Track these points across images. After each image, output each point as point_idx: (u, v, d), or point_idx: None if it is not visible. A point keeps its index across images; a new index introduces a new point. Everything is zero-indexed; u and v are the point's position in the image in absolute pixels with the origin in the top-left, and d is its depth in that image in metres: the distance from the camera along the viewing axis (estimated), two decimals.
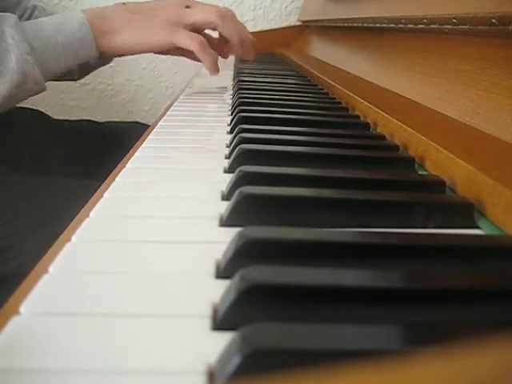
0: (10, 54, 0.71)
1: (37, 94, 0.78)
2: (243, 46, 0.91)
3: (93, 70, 1.10)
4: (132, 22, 0.82)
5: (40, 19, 0.79)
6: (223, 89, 0.95)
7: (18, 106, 1.15)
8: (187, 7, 0.85)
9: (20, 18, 1.10)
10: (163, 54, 0.89)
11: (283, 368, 0.19)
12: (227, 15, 0.87)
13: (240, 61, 1.30)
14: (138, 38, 0.81)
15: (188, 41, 0.81)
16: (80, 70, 1.07)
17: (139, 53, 0.84)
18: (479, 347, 0.13)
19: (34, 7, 1.13)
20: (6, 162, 0.86)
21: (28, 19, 1.10)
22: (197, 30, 0.84)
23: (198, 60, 0.86)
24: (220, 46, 0.93)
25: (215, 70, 0.85)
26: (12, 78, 0.71)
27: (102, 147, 1.08)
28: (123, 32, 0.81)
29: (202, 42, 0.82)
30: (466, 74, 0.57)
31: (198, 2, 0.88)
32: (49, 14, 1.13)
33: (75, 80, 1.13)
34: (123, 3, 0.88)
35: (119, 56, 0.88)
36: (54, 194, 0.75)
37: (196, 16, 0.83)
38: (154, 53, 0.87)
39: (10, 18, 0.73)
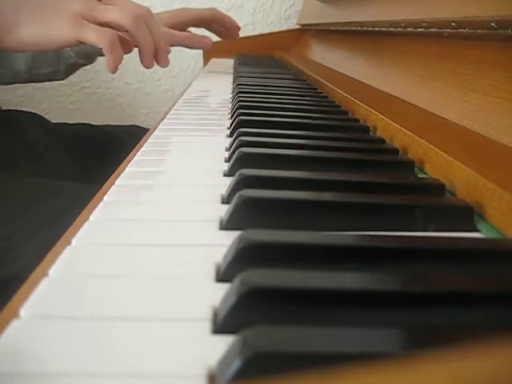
0: None
1: None
2: (154, 55, 0.82)
3: (77, 69, 1.10)
4: (33, 14, 0.73)
5: None
6: (223, 92, 0.95)
7: (15, 109, 1.15)
8: (99, 0, 0.78)
9: None
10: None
11: (283, 371, 0.19)
12: (142, 20, 0.78)
13: (239, 64, 1.30)
14: (40, 34, 0.73)
15: (97, 37, 0.72)
16: (66, 70, 1.06)
17: (43, 50, 0.78)
18: (480, 350, 0.13)
19: None
20: (4, 165, 0.86)
21: None
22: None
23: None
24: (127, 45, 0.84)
25: (115, 69, 0.76)
26: None
27: (101, 151, 1.08)
28: (22, 26, 0.72)
29: (112, 38, 0.73)
30: (466, 78, 0.57)
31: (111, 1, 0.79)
32: None
33: (60, 80, 1.12)
34: None
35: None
36: (54, 198, 0.75)
37: (109, 14, 0.75)
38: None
39: None
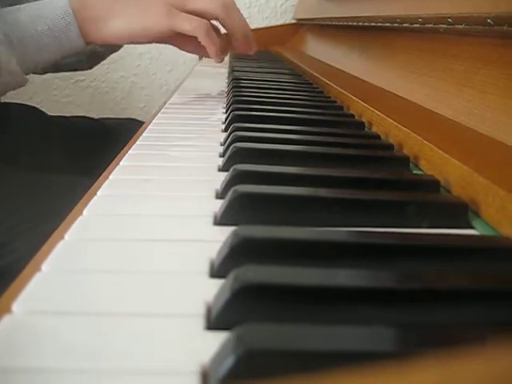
0: None
1: (18, 87, 0.73)
2: (246, 41, 0.83)
3: (103, 59, 1.07)
4: (125, 6, 0.73)
5: (18, 6, 0.72)
6: (218, 87, 0.94)
7: (13, 102, 1.14)
8: None
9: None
10: (162, 42, 0.79)
11: (277, 369, 0.19)
12: (231, 7, 0.79)
13: (234, 58, 1.29)
14: (133, 25, 0.73)
15: (191, 26, 0.72)
16: (89, 59, 1.04)
17: (136, 42, 0.76)
18: (478, 347, 0.13)
19: None
20: (1, 158, 0.86)
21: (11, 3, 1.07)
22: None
23: (198, 52, 0.81)
24: (222, 41, 0.84)
25: (219, 56, 0.77)
26: None
27: (97, 143, 1.07)
28: (115, 18, 0.72)
29: (206, 26, 0.73)
30: (461, 74, 0.57)
31: None
32: None
33: (86, 69, 1.10)
34: None
35: (116, 45, 0.80)
36: (49, 192, 0.74)
37: (198, 3, 0.75)
38: (153, 42, 0.78)
39: None
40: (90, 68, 1.09)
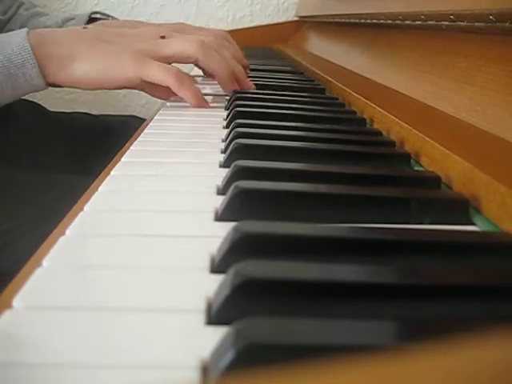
0: None
1: None
2: (235, 79, 0.74)
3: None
4: (91, 50, 0.66)
5: None
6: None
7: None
8: (162, 37, 0.71)
9: (3, 14, 1.02)
10: (134, 89, 0.71)
11: (277, 363, 0.19)
12: (211, 45, 0.72)
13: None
14: (100, 72, 0.65)
15: (162, 75, 0.65)
16: None
17: (102, 88, 0.68)
18: (477, 342, 0.13)
19: (21, 3, 1.04)
20: (3, 155, 0.86)
21: (12, 16, 1.04)
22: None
23: (175, 97, 0.71)
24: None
25: (200, 102, 0.69)
26: None
27: (99, 140, 1.07)
28: (80, 62, 0.65)
29: (178, 75, 0.66)
30: (463, 71, 0.57)
31: (175, 33, 0.75)
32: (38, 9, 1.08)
33: None
34: (84, 26, 0.75)
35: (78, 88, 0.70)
36: (50, 193, 0.74)
37: (173, 47, 0.69)
38: (124, 88, 0.70)
39: None
40: None
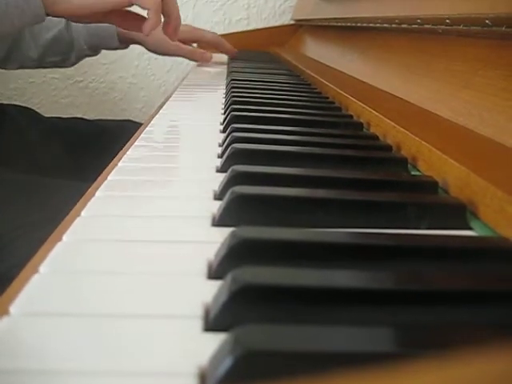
0: None
1: None
2: (168, 22, 0.88)
3: (83, 59, 1.13)
4: None
5: None
6: (216, 87, 0.94)
7: (9, 103, 1.15)
8: None
9: None
10: (106, 20, 0.86)
11: (275, 370, 0.19)
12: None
13: (233, 60, 1.30)
14: None
15: (146, 1, 0.79)
16: (74, 61, 1.09)
17: (94, 12, 0.81)
18: (475, 351, 0.13)
19: None
20: None
21: None
22: None
23: (130, 28, 0.87)
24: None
25: (148, 33, 0.82)
26: None
27: (94, 145, 1.08)
28: None
29: (158, 3, 0.80)
30: (460, 75, 0.57)
31: None
32: None
33: (67, 67, 1.17)
34: None
35: (75, 20, 0.85)
36: (47, 196, 0.74)
37: None
38: (105, 15, 0.84)
39: None
40: (72, 65, 1.15)
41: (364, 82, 0.81)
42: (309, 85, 0.92)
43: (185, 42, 1.21)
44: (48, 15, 0.79)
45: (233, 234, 0.28)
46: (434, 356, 0.13)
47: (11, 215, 0.70)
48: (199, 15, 1.80)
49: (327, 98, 0.78)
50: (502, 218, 0.32)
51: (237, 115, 0.59)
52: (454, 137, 0.47)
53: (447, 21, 0.57)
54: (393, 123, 0.51)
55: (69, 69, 1.24)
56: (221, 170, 0.44)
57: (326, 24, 1.24)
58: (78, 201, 0.38)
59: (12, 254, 0.65)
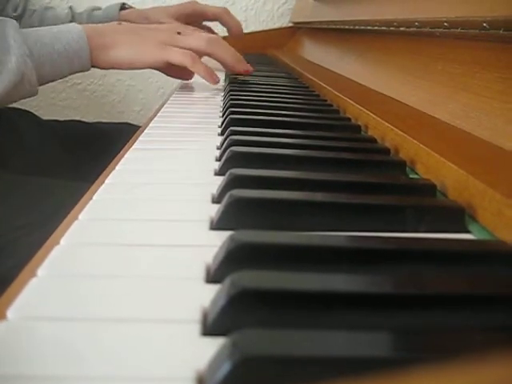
0: (11, 55, 0.73)
1: (29, 97, 0.80)
2: (238, 63, 0.95)
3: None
4: (127, 39, 0.86)
5: (37, 28, 0.81)
6: (214, 90, 0.94)
7: (7, 106, 1.15)
8: (179, 33, 0.90)
9: (14, 11, 1.17)
10: (155, 69, 0.92)
11: (274, 375, 0.19)
12: (215, 41, 0.92)
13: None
14: (133, 54, 0.86)
15: (180, 56, 0.85)
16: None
17: (133, 68, 0.88)
18: (474, 356, 0.13)
19: (26, 3, 1.17)
20: None
21: (19, 15, 1.17)
22: None
23: (183, 77, 0.97)
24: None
25: (213, 78, 0.88)
26: (10, 77, 0.73)
27: (92, 148, 1.08)
28: (119, 47, 0.85)
29: (193, 56, 0.85)
30: (458, 78, 0.57)
31: (190, 31, 0.93)
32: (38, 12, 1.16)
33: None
34: (119, 22, 0.94)
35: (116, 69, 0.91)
36: (44, 198, 0.74)
37: (188, 42, 0.88)
38: (148, 68, 0.90)
39: (12, 22, 0.76)
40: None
41: (362, 85, 0.81)
42: (307, 87, 0.92)
43: (186, 20, 1.21)
44: (93, 67, 0.86)
45: (231, 238, 0.28)
46: (433, 361, 0.13)
47: (10, 216, 0.70)
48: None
49: (325, 100, 0.78)
50: (501, 221, 0.32)
51: (235, 118, 0.59)
52: (452, 140, 0.47)
53: (445, 24, 0.57)
54: (391, 126, 0.51)
55: None
56: (219, 173, 0.44)
57: (325, 27, 1.24)
58: (75, 202, 0.37)
59: (11, 255, 0.65)
